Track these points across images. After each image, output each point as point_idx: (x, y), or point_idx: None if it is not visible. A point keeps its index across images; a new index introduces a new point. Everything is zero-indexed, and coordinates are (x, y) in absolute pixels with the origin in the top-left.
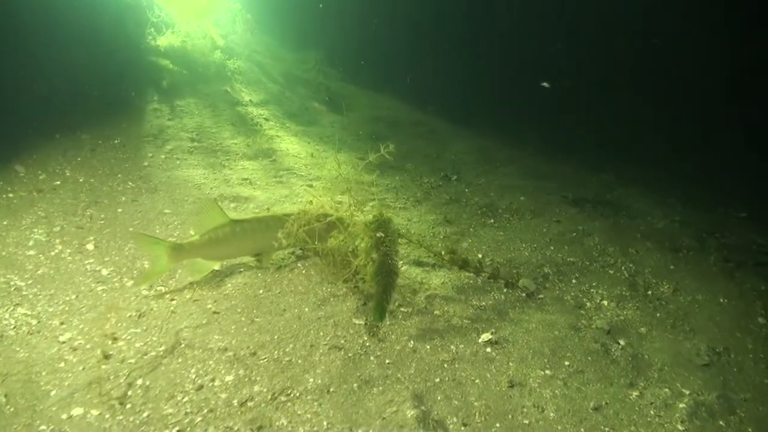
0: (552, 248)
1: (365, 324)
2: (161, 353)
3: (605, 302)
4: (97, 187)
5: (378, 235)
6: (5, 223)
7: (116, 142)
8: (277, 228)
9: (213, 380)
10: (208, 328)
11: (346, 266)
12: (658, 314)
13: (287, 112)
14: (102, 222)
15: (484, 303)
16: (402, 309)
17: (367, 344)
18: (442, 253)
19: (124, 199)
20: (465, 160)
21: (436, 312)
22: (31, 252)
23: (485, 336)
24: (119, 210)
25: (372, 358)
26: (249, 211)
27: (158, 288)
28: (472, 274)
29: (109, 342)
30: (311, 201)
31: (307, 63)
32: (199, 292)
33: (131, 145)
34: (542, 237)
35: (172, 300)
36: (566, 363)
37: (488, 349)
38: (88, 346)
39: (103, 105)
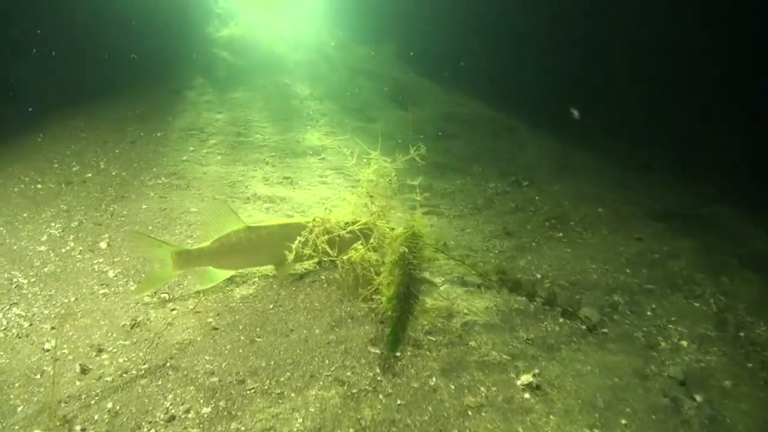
0: (628, 271)
1: (381, 354)
2: (142, 372)
3: (684, 342)
4: (128, 181)
5: (402, 249)
6: (25, 215)
7: (159, 134)
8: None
9: (188, 411)
10: (201, 346)
11: (368, 283)
12: (749, 364)
13: (347, 107)
14: (122, 219)
15: (532, 335)
16: (430, 337)
17: (378, 379)
18: (489, 272)
19: (152, 195)
20: (541, 164)
21: (472, 343)
22: (42, 248)
23: (525, 378)
24: (143, 206)
25: (381, 396)
26: (282, 213)
27: (162, 295)
28: (523, 299)
29: (93, 354)
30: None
31: (380, 57)
32: (204, 302)
33: (174, 138)
34: (617, 257)
35: (173, 310)
36: (623, 421)
37: (527, 395)
38: (70, 357)
39: (154, 95)
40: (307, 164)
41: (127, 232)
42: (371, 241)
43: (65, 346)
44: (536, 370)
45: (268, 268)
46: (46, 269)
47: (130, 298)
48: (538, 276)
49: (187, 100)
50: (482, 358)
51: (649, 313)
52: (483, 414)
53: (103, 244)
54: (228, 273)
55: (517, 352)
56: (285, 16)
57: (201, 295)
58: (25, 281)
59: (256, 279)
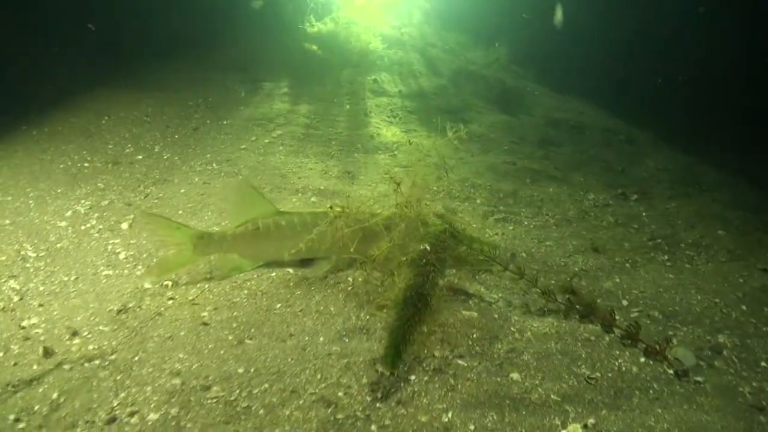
0: (744, 308)
1: (390, 375)
2: (106, 364)
3: None
4: (178, 165)
5: (423, 247)
6: (59, 190)
7: (225, 122)
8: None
9: (133, 415)
10: (181, 342)
11: (390, 287)
12: None
13: (440, 108)
14: (155, 201)
15: (598, 374)
16: (460, 361)
17: (377, 405)
18: (555, 290)
19: (196, 180)
20: (659, 178)
21: (514, 375)
22: (63, 223)
23: (574, 428)
24: (182, 190)
25: (373, 428)
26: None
27: (167, 282)
28: (597, 328)
29: (66, 337)
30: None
31: (489, 61)
32: (208, 294)
33: (239, 126)
34: (733, 289)
35: (171, 299)
36: None
37: None
38: (42, 338)
39: (230, 84)
40: (374, 160)
41: (141, 212)
42: (394, 235)
43: (43, 325)
44: (591, 420)
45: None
46: (59, 245)
47: (133, 282)
48: (624, 303)
49: (263, 91)
50: (522, 395)
51: (763, 363)
52: None
53: (124, 225)
54: (254, 263)
55: (571, 393)
56: (391, 15)
57: (208, 285)
58: (34, 255)
59: (274, 273)
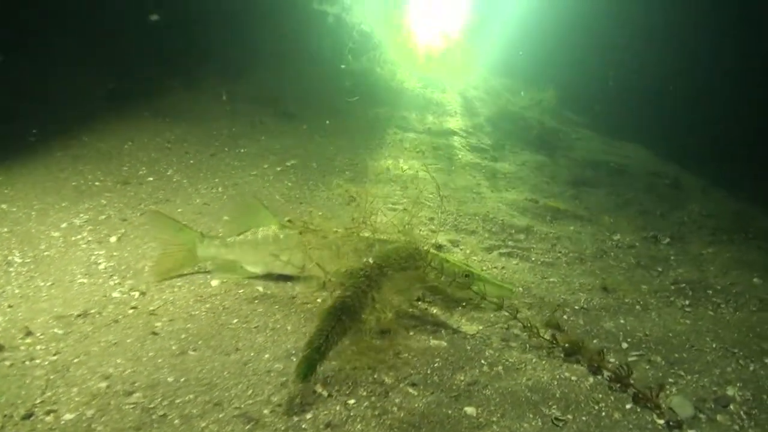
0: (766, 361)
1: (328, 396)
2: (45, 364)
3: None
4: (184, 187)
5: (366, 260)
6: (63, 204)
7: (242, 151)
8: (344, 246)
9: (49, 413)
10: (124, 349)
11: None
12: None
13: (470, 145)
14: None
15: (569, 416)
16: (410, 389)
17: (302, 426)
18: (538, 325)
19: (197, 201)
20: (701, 223)
21: (468, 409)
22: (56, 233)
23: None
24: (179, 210)
25: None
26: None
27: (134, 292)
28: (582, 368)
29: (19, 337)
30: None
31: (532, 102)
32: (171, 306)
33: (254, 155)
34: (759, 341)
35: (133, 308)
36: None
37: None
38: None
39: (258, 118)
40: (383, 192)
41: (150, 211)
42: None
43: (3, 324)
44: None
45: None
46: (46, 253)
47: (102, 290)
48: (624, 345)
49: (288, 123)
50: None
51: None
52: None
53: (113, 238)
54: (253, 269)
55: None
56: (436, 56)
57: (173, 297)
58: (20, 260)
59: (242, 290)
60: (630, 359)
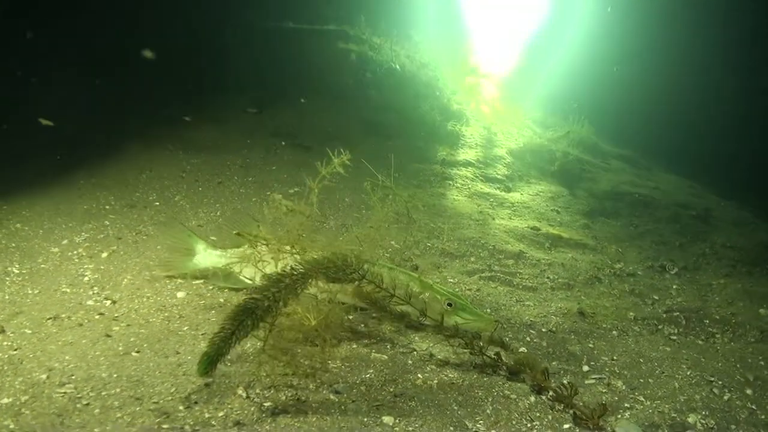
0: (749, 392)
1: (246, 397)
2: (5, 357)
3: None
4: (186, 210)
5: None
6: (71, 224)
7: (250, 179)
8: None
9: None
10: (76, 347)
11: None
12: None
13: (484, 175)
14: (144, 238)
15: None
16: (332, 395)
17: (211, 423)
18: (484, 341)
19: (193, 223)
20: (722, 255)
21: (386, 419)
22: (55, 249)
23: None
24: (172, 230)
25: None
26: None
27: (107, 301)
28: (524, 387)
29: None
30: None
31: (559, 134)
32: (133, 314)
33: (260, 183)
34: (744, 371)
35: (99, 314)
36: None
37: None
38: None
39: (274, 148)
40: (368, 216)
41: (167, 219)
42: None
43: None
44: None
45: None
46: (42, 265)
47: (79, 299)
48: (585, 368)
49: (302, 154)
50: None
51: None
52: None
53: (105, 254)
54: (248, 283)
55: None
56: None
57: (138, 306)
58: (17, 271)
59: (204, 301)
60: (587, 381)
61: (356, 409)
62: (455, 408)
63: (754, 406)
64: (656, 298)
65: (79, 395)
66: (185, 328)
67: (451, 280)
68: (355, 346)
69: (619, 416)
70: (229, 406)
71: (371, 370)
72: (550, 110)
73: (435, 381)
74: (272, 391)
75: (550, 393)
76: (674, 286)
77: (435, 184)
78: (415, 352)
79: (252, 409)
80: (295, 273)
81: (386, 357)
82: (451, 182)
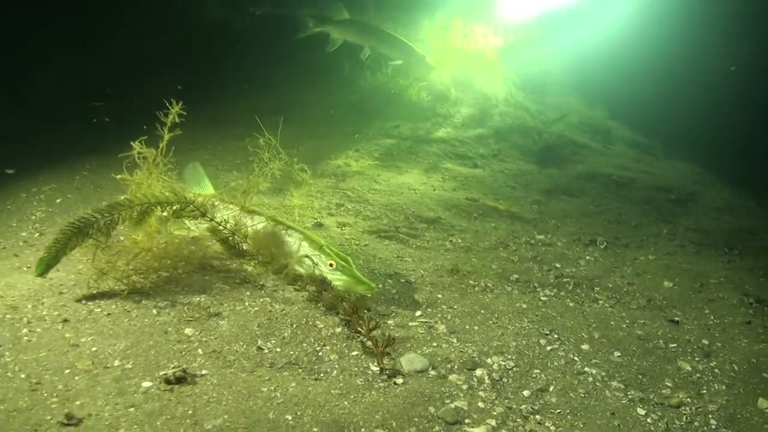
0: (585, 347)
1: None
2: None
3: None
4: None
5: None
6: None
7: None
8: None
9: None
10: (29, 332)
11: None
12: None
13: (454, 153)
14: None
15: (278, 349)
16: (154, 311)
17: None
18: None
19: None
20: (680, 236)
21: (188, 331)
22: (24, 233)
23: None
24: None
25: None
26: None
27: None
28: (336, 320)
29: None
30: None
31: (555, 117)
32: (104, 302)
33: (231, 163)
34: (593, 330)
35: (63, 306)
36: None
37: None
38: None
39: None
40: (317, 183)
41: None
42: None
43: None
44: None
45: None
46: (32, 258)
47: (35, 284)
48: (417, 313)
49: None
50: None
51: (526, 392)
52: None
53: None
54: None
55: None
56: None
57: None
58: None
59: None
60: (411, 324)
61: (165, 321)
62: (255, 328)
63: (576, 358)
64: (558, 266)
65: (17, 368)
66: (134, 313)
67: (347, 237)
68: (207, 277)
69: (418, 352)
70: (64, 307)
71: (203, 295)
72: (562, 94)
73: (256, 308)
74: (105, 299)
75: (353, 327)
76: (586, 257)
77: (396, 158)
78: (260, 290)
79: (82, 311)
80: (131, 204)
81: (227, 287)
82: (413, 156)
